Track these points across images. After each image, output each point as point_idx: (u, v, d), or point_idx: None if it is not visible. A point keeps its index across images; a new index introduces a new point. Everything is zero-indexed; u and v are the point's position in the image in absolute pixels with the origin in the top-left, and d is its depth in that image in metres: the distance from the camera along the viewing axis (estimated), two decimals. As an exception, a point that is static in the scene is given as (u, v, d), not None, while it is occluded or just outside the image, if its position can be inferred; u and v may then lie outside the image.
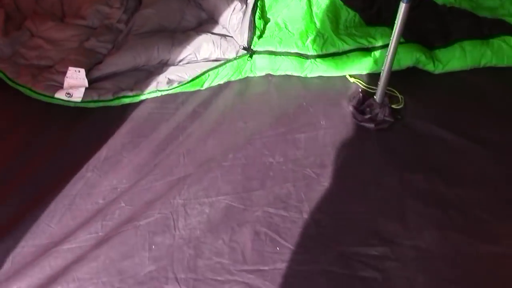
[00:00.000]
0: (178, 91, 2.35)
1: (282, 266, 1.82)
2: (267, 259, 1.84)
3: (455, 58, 2.45)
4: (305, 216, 1.95)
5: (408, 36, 2.44)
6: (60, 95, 2.25)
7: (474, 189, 2.04)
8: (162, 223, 1.93)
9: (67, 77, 2.30)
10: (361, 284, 1.78)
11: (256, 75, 2.45)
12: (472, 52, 2.45)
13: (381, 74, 2.21)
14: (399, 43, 2.12)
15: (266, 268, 1.82)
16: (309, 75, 2.43)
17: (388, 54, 2.12)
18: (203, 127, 2.25)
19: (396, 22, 2.02)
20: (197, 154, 2.15)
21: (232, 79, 2.41)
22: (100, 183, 2.05)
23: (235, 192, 2.03)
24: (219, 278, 1.80)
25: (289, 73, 2.43)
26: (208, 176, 2.07)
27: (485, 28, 2.55)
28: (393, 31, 2.04)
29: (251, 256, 1.85)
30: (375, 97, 2.27)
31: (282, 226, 1.91)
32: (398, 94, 2.33)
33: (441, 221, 1.94)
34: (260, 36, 2.43)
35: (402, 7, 1.96)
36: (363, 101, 2.30)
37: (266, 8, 2.57)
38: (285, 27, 2.48)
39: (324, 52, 2.41)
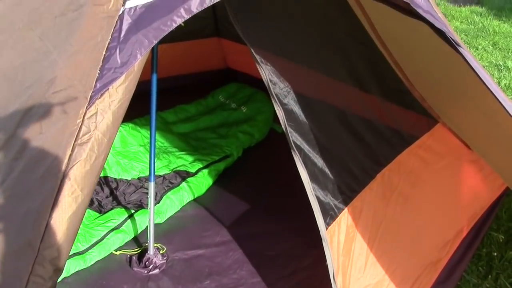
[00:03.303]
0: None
1: None
2: None
3: (169, 207, 3.47)
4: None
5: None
6: None
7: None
8: None
9: None
10: None
11: None
12: (174, 200, 3.51)
13: (147, 236, 3.05)
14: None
15: None
16: (90, 265, 3.04)
17: (150, 220, 3.01)
18: None
19: (149, 197, 2.96)
20: None
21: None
22: None
23: None
24: None
25: (77, 269, 3.00)
26: None
27: (174, 180, 3.66)
28: (149, 204, 2.97)
29: None
30: (148, 252, 3.07)
31: None
32: (157, 245, 3.19)
33: None
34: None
35: (151, 186, 2.94)
36: (139, 259, 3.08)
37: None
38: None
39: (90, 244, 3.09)
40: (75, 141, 1.66)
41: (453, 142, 3.43)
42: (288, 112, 2.34)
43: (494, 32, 7.56)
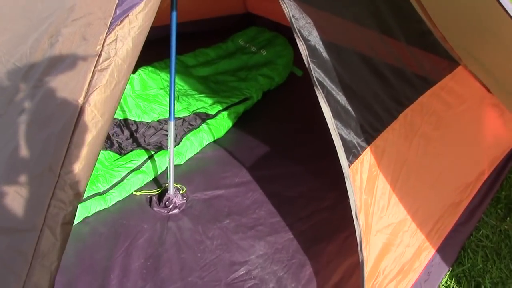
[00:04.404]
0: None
1: None
2: None
3: (189, 149, 3.48)
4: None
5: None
6: None
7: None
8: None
9: None
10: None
11: (74, 224, 2.85)
12: (194, 141, 3.51)
13: (168, 176, 3.06)
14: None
15: None
16: (110, 205, 3.08)
17: (170, 160, 3.00)
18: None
19: (169, 136, 2.94)
20: None
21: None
22: None
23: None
24: None
25: (98, 209, 3.03)
26: None
27: (194, 122, 3.66)
28: (169, 143, 2.95)
29: None
30: (168, 192, 3.09)
31: None
32: (177, 185, 3.21)
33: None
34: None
35: (171, 124, 2.91)
36: (159, 200, 3.11)
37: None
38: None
39: (110, 184, 3.12)
40: (95, 67, 1.66)
41: (474, 85, 3.39)
42: (311, 49, 2.29)
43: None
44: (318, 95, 2.27)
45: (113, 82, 1.67)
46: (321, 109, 2.30)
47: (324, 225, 3.03)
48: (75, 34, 1.72)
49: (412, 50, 3.00)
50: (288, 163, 3.49)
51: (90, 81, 1.64)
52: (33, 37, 1.77)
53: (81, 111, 1.62)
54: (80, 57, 1.68)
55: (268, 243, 2.91)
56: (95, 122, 1.63)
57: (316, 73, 2.28)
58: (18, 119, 1.67)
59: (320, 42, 2.33)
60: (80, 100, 1.62)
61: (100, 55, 1.67)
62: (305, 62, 2.26)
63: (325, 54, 2.34)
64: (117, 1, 1.70)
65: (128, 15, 1.71)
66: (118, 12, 1.71)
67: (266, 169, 3.44)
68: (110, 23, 1.69)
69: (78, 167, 1.60)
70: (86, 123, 1.62)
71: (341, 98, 2.38)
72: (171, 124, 2.92)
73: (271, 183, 3.31)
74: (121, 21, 1.70)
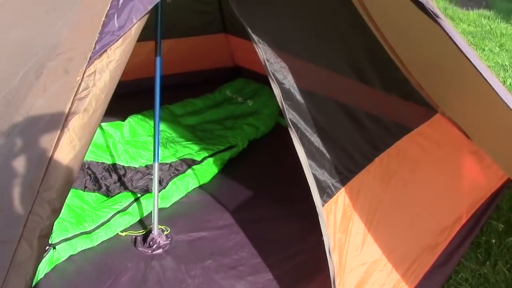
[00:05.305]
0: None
1: None
2: None
3: (174, 193, 3.57)
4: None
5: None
6: None
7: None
8: None
9: None
10: None
11: (60, 261, 3.01)
12: (180, 185, 3.61)
13: (152, 218, 3.17)
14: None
15: None
16: (96, 244, 3.14)
17: (154, 200, 3.12)
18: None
19: (153, 177, 3.07)
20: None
21: (47, 270, 2.93)
22: None
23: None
24: None
25: (84, 247, 3.10)
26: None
27: (180, 167, 3.76)
28: (154, 184, 3.09)
29: None
30: (152, 232, 3.17)
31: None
32: (162, 226, 3.29)
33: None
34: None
35: (155, 166, 3.04)
36: (144, 240, 3.19)
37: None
38: (63, 220, 3.15)
39: (97, 224, 3.20)
40: (74, 96, 1.80)
41: (453, 132, 3.50)
42: (286, 91, 2.42)
43: (501, 34, 7.60)
44: (292, 135, 2.39)
45: (91, 109, 1.81)
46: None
47: (306, 266, 3.08)
48: (58, 67, 1.87)
49: (389, 97, 3.13)
50: (270, 206, 3.57)
51: (70, 108, 1.78)
52: (22, 73, 1.93)
53: (60, 135, 1.76)
54: (61, 87, 1.82)
55: (249, 283, 2.96)
56: (73, 145, 1.77)
57: (290, 114, 2.40)
58: (4, 142, 1.81)
59: (295, 85, 2.46)
60: (60, 126, 1.76)
61: (79, 85, 1.81)
62: (279, 104, 2.38)
63: (299, 97, 2.47)
64: (96, 38, 1.86)
65: (106, 50, 1.87)
66: (97, 47, 1.87)
67: (249, 212, 3.52)
68: (90, 57, 1.84)
69: (56, 185, 1.74)
70: (65, 146, 1.76)
71: (315, 140, 2.50)
72: (155, 165, 3.04)
73: (253, 226, 3.39)
74: (100, 55, 1.86)
